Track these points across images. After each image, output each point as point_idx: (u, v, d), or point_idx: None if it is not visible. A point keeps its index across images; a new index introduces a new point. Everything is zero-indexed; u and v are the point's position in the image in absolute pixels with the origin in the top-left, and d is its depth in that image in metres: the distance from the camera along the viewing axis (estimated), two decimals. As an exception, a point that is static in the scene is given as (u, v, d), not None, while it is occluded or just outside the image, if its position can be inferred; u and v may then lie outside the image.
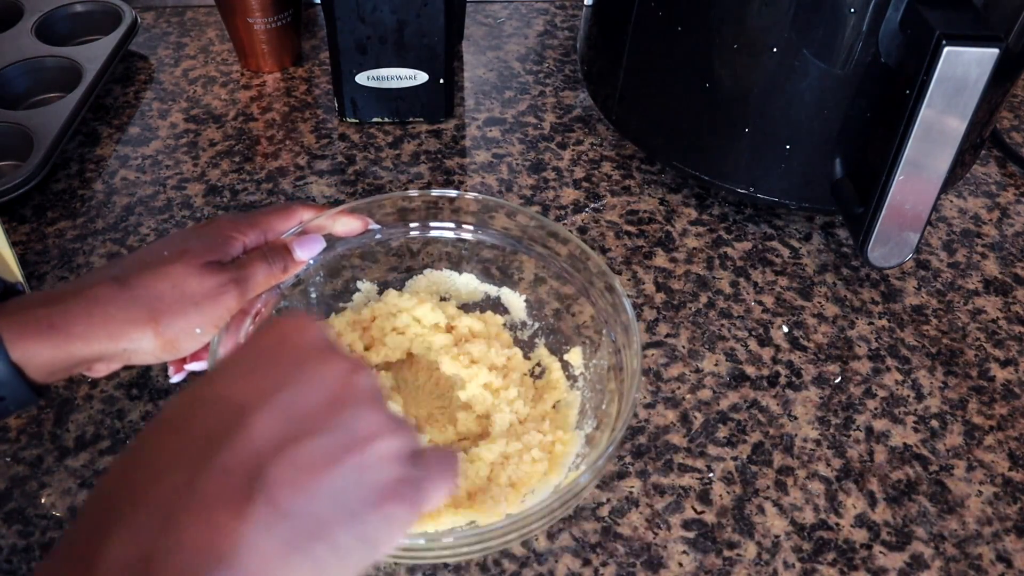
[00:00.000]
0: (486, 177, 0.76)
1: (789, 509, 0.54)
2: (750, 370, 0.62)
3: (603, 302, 0.55)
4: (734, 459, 0.56)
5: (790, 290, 0.67)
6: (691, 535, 0.52)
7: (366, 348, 0.58)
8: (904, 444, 0.58)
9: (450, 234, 0.60)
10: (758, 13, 0.60)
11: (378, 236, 0.59)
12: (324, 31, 0.90)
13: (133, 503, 0.28)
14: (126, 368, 0.58)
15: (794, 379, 0.61)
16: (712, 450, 0.57)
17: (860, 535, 0.53)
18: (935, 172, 0.57)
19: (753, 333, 0.64)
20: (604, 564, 0.51)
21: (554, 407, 0.56)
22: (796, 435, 0.58)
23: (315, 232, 0.53)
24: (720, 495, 0.54)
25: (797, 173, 0.66)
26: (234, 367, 0.32)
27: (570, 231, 0.60)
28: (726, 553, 0.52)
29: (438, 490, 0.33)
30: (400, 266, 0.61)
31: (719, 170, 0.69)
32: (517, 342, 0.60)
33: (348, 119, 0.81)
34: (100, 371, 0.47)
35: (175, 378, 0.50)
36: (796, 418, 0.59)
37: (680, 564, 0.51)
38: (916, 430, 0.59)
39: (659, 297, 0.66)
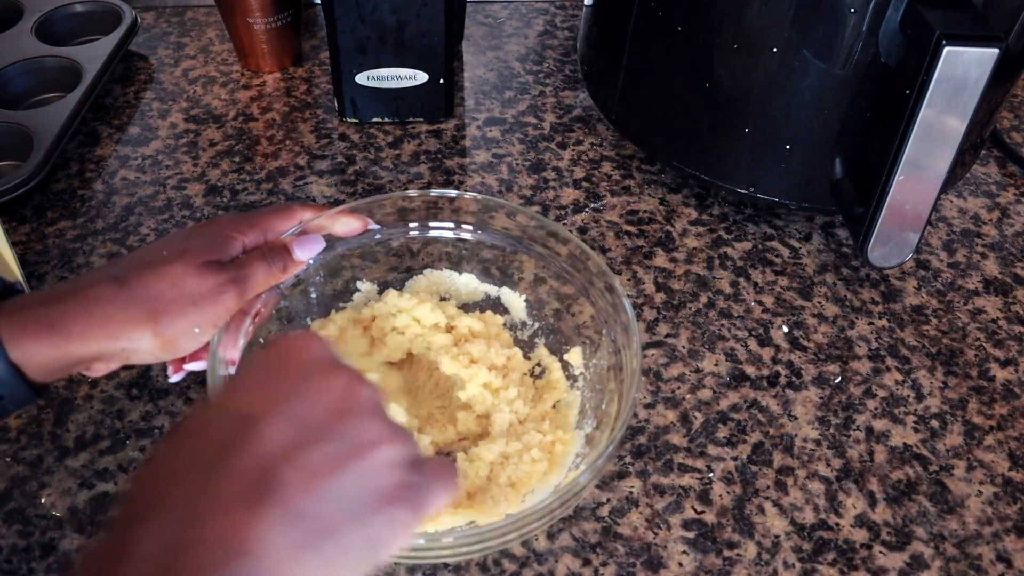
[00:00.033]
0: (486, 177, 0.76)
1: (789, 509, 0.54)
2: (750, 370, 0.62)
3: (603, 302, 0.55)
4: (734, 459, 0.56)
5: (790, 290, 0.67)
6: (691, 535, 0.52)
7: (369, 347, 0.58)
8: (904, 444, 0.58)
9: (450, 234, 0.60)
10: (758, 13, 0.60)
11: (378, 236, 0.59)
12: (324, 31, 0.90)
13: (158, 502, 0.30)
14: (126, 368, 0.58)
15: (794, 379, 0.61)
16: (712, 450, 0.57)
17: (860, 535, 0.53)
18: (935, 172, 0.57)
19: (753, 333, 0.64)
20: (604, 564, 0.51)
21: (554, 407, 0.56)
22: (796, 435, 0.58)
23: (315, 232, 0.53)
24: (720, 495, 0.54)
25: (797, 173, 0.66)
26: (246, 381, 0.35)
27: (570, 231, 0.60)
28: (726, 553, 0.52)
29: (438, 496, 0.35)
30: (400, 266, 0.61)
31: (719, 170, 0.69)
32: (517, 342, 0.60)
33: (348, 119, 0.81)
34: (99, 370, 0.47)
35: (174, 378, 0.50)
36: (796, 418, 0.59)
37: (680, 564, 0.51)
38: (916, 430, 0.59)
39: (659, 297, 0.66)
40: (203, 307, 0.45)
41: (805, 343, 0.64)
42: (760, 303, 0.66)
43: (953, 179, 0.70)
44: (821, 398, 0.60)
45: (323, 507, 0.31)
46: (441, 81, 0.78)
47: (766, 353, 0.63)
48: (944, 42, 0.52)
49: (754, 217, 0.73)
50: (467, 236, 0.60)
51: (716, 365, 0.62)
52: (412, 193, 0.59)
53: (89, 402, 0.57)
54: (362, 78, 0.77)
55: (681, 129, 0.70)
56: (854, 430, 0.58)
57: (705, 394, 0.60)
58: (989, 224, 0.74)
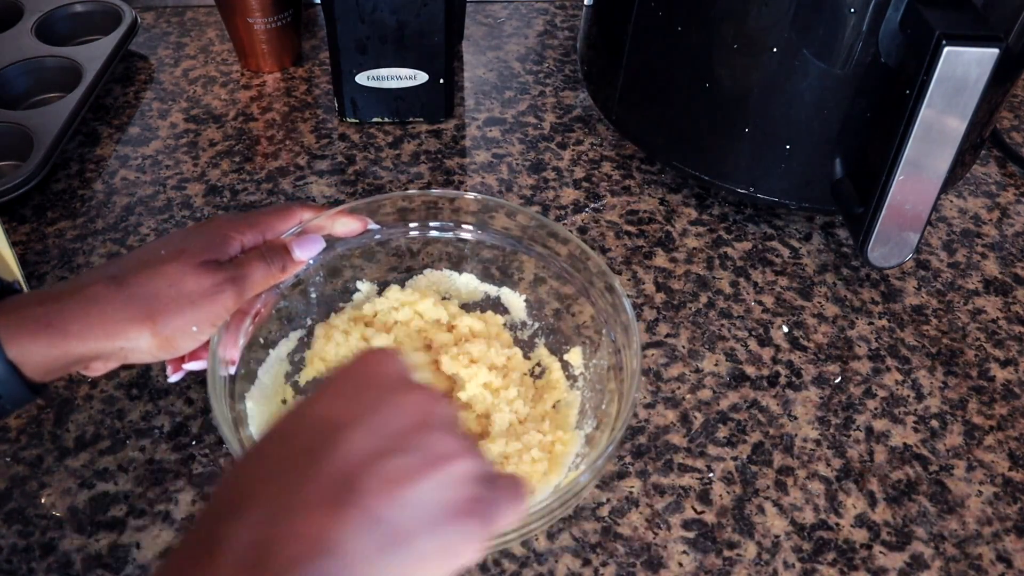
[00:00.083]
0: (486, 177, 0.76)
1: (789, 509, 0.54)
2: (750, 370, 0.62)
3: (603, 302, 0.55)
4: (734, 459, 0.56)
5: (790, 290, 0.67)
6: (691, 535, 0.52)
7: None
8: (904, 444, 0.58)
9: (450, 234, 0.60)
10: (758, 13, 0.60)
11: (378, 236, 0.59)
12: (324, 31, 0.90)
13: (250, 500, 0.32)
14: (126, 368, 0.58)
15: (794, 379, 0.61)
16: (712, 450, 0.57)
17: (860, 535, 0.53)
18: (935, 172, 0.57)
19: (753, 333, 0.64)
20: (604, 564, 0.51)
21: (554, 407, 0.56)
22: (796, 435, 0.58)
23: (314, 232, 0.53)
24: (720, 495, 0.54)
25: (797, 173, 0.66)
26: (330, 393, 0.36)
27: (570, 231, 0.60)
28: (726, 553, 0.51)
29: (508, 510, 0.36)
30: (400, 266, 0.61)
31: (719, 170, 0.69)
32: (517, 342, 0.60)
33: (348, 119, 0.81)
34: (97, 370, 0.47)
35: (173, 378, 0.50)
36: (796, 418, 0.59)
37: (680, 564, 0.51)
38: (916, 430, 0.58)
39: (659, 297, 0.66)
40: (201, 306, 0.45)
41: (805, 343, 0.64)
42: (760, 303, 0.66)
43: (953, 179, 0.70)
44: (821, 398, 0.60)
45: (400, 514, 0.32)
46: (441, 81, 0.78)
47: (766, 353, 0.63)
48: (944, 42, 0.52)
49: (754, 217, 0.73)
50: (467, 236, 0.60)
51: (716, 365, 0.62)
52: (412, 193, 0.59)
53: (89, 402, 0.57)
54: (362, 78, 0.77)
55: (681, 129, 0.70)
56: (854, 430, 0.58)
57: (705, 394, 0.60)
58: (989, 224, 0.74)
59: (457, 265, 0.61)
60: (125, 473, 0.54)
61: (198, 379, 0.57)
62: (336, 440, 0.33)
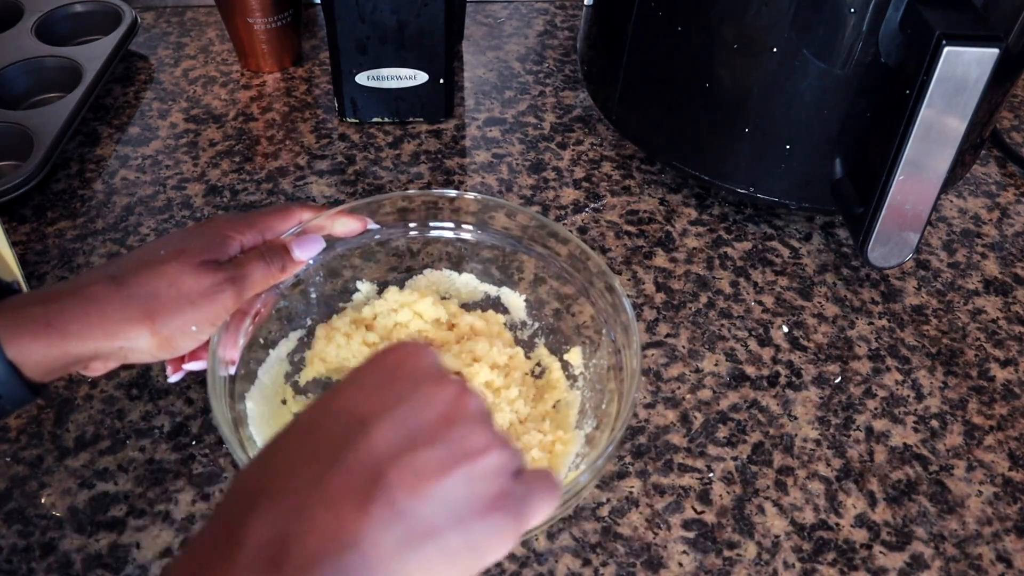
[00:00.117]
0: (486, 177, 0.76)
1: (789, 509, 0.54)
2: (750, 370, 0.62)
3: (603, 302, 0.55)
4: (734, 459, 0.56)
5: (790, 290, 0.67)
6: (691, 535, 0.52)
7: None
8: (904, 444, 0.58)
9: (450, 234, 0.60)
10: (758, 13, 0.60)
11: (378, 236, 0.59)
12: (324, 31, 0.90)
13: (271, 492, 0.31)
14: (126, 368, 0.58)
15: (794, 379, 0.61)
16: (712, 450, 0.57)
17: (860, 535, 0.53)
18: (935, 172, 0.57)
19: (753, 333, 0.64)
20: (604, 564, 0.51)
21: (554, 407, 0.56)
22: (796, 435, 0.58)
23: (314, 232, 0.53)
24: (720, 495, 0.54)
25: (797, 173, 0.66)
26: (358, 384, 0.35)
27: (570, 231, 0.60)
28: (726, 553, 0.51)
29: (539, 506, 0.35)
30: (400, 266, 0.61)
31: (719, 170, 0.69)
32: (517, 342, 0.60)
33: (348, 119, 0.81)
34: (97, 370, 0.47)
35: (173, 378, 0.50)
36: (796, 418, 0.59)
37: (680, 564, 0.51)
38: (916, 430, 0.58)
39: (659, 297, 0.66)
40: (200, 306, 0.45)
41: (805, 343, 0.64)
42: (760, 303, 0.66)
43: (953, 179, 0.70)
44: (821, 398, 0.60)
45: (428, 509, 0.31)
46: (441, 81, 0.78)
47: (766, 353, 0.63)
48: (944, 42, 0.52)
49: (754, 217, 0.73)
50: (467, 236, 0.60)
51: (716, 365, 0.62)
52: (412, 193, 0.59)
53: (89, 402, 0.57)
54: (362, 78, 0.77)
55: (681, 129, 0.70)
56: (854, 430, 0.58)
57: (705, 394, 0.60)
58: (989, 224, 0.74)
59: (457, 265, 0.61)
60: (125, 473, 0.54)
61: (198, 379, 0.57)
62: (362, 432, 0.32)
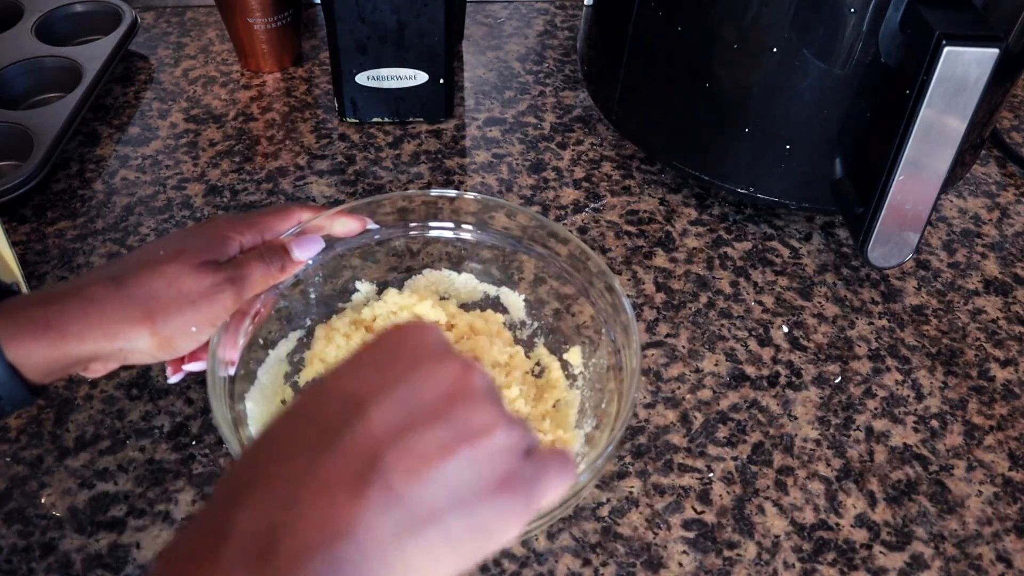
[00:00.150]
0: (486, 177, 0.76)
1: (789, 509, 0.54)
2: (750, 370, 0.62)
3: (603, 302, 0.55)
4: (734, 459, 0.56)
5: (790, 290, 0.67)
6: (691, 535, 0.52)
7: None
8: (904, 444, 0.58)
9: (450, 234, 0.60)
10: (758, 13, 0.60)
11: (377, 236, 0.59)
12: (324, 31, 0.90)
13: (261, 481, 0.30)
14: (125, 368, 0.58)
15: (794, 379, 0.61)
16: (712, 450, 0.57)
17: (860, 535, 0.53)
18: (935, 172, 0.57)
19: (753, 333, 0.64)
20: (604, 564, 0.51)
21: (554, 406, 0.56)
22: (796, 435, 0.58)
23: (314, 232, 0.53)
24: (720, 495, 0.54)
25: (797, 173, 0.66)
26: (356, 364, 0.34)
27: (570, 231, 0.60)
28: (726, 553, 0.51)
29: (553, 486, 0.33)
30: (400, 266, 0.61)
31: (719, 170, 0.69)
32: (516, 341, 0.60)
33: (348, 119, 0.81)
34: (97, 371, 0.47)
35: (173, 379, 0.50)
36: (796, 418, 0.59)
37: (680, 564, 0.51)
38: (916, 430, 0.58)
39: (659, 297, 0.66)
40: (200, 306, 0.45)
41: (805, 343, 0.64)
42: (760, 303, 0.66)
43: (953, 179, 0.70)
44: (821, 398, 0.60)
45: (428, 493, 0.30)
46: (441, 81, 0.78)
47: (766, 353, 0.63)
48: (944, 42, 0.52)
49: (754, 217, 0.73)
50: (467, 236, 0.60)
51: (716, 365, 0.62)
52: (412, 193, 0.59)
53: (89, 402, 0.57)
54: (362, 78, 0.77)
55: (681, 129, 0.70)
56: (854, 430, 0.58)
57: (705, 394, 0.60)
58: (989, 224, 0.74)
59: (457, 265, 0.61)
60: (125, 473, 0.54)
61: (198, 379, 0.57)
62: (359, 414, 0.31)
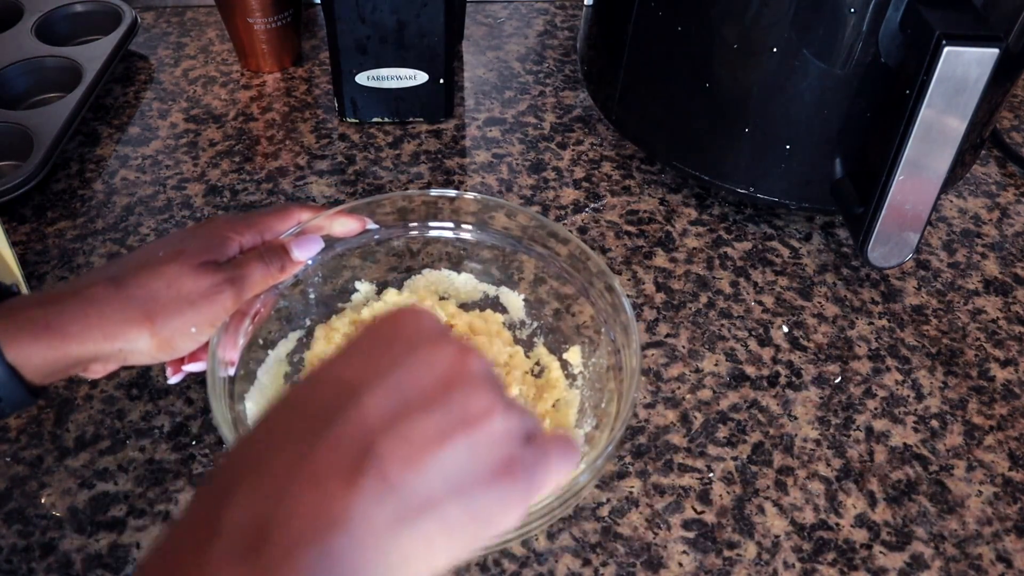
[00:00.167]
0: (486, 177, 0.76)
1: (789, 509, 0.54)
2: (750, 370, 0.62)
3: (603, 302, 0.55)
4: (734, 459, 0.56)
5: (790, 290, 0.67)
6: (691, 535, 0.52)
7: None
8: (904, 444, 0.58)
9: (450, 234, 0.60)
10: (758, 13, 0.60)
11: (377, 236, 0.59)
12: (324, 31, 0.90)
13: (253, 472, 0.29)
14: (125, 368, 0.58)
15: (794, 379, 0.61)
16: (712, 450, 0.57)
17: (860, 535, 0.53)
18: (935, 172, 0.57)
19: (753, 333, 0.64)
20: (604, 564, 0.51)
21: (553, 406, 0.56)
22: (796, 435, 0.58)
23: (313, 232, 0.53)
24: (720, 495, 0.54)
25: (797, 173, 0.66)
26: (350, 351, 0.33)
27: (570, 231, 0.60)
28: (726, 553, 0.51)
29: (554, 471, 0.33)
30: (399, 266, 0.61)
31: (719, 170, 0.69)
32: (515, 341, 0.60)
33: (348, 119, 0.81)
34: (97, 372, 0.47)
35: (173, 379, 0.50)
36: (796, 418, 0.59)
37: (680, 564, 0.51)
38: (916, 430, 0.58)
39: (659, 297, 0.66)
40: (199, 307, 0.45)
41: (805, 343, 0.64)
42: (760, 303, 0.66)
43: (953, 179, 0.70)
44: (821, 398, 0.60)
45: (424, 481, 0.29)
46: (441, 81, 0.78)
47: (766, 353, 0.63)
48: (944, 42, 0.52)
49: (754, 217, 0.73)
50: (467, 236, 0.60)
51: (716, 365, 0.62)
52: (412, 193, 0.59)
53: (89, 402, 0.57)
54: (362, 78, 0.77)
55: (681, 129, 0.70)
56: (854, 430, 0.58)
57: (705, 394, 0.60)
58: (989, 224, 0.74)
59: (456, 265, 0.61)
60: (125, 473, 0.54)
61: (198, 379, 0.57)
62: (353, 401, 0.30)
